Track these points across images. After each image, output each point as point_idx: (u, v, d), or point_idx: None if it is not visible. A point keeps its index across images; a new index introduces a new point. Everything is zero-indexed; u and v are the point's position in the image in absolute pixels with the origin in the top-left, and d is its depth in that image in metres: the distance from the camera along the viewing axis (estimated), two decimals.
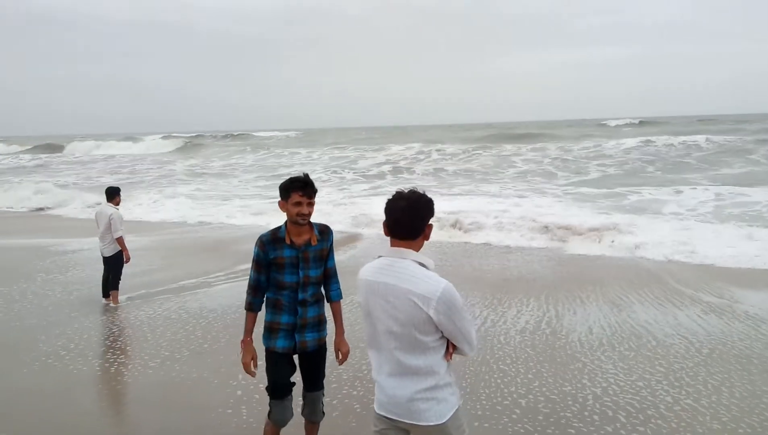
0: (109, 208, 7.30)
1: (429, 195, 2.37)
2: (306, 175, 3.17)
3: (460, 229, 11.80)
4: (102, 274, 7.41)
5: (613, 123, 63.66)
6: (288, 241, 3.17)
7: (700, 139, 31.90)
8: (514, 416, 4.22)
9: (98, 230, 7.32)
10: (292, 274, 3.19)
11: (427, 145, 37.16)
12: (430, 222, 2.35)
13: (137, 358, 5.48)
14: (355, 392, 4.67)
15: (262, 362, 3.34)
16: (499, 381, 4.82)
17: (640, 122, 63.99)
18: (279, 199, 3.22)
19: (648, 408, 4.30)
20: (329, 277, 3.38)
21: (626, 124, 60.09)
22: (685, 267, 8.77)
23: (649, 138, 33.73)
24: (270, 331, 3.29)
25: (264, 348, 3.32)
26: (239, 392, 4.64)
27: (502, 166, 27.04)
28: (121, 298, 7.34)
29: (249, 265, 3.38)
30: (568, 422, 4.11)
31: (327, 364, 3.43)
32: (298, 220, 3.12)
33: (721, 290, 7.43)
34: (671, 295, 7.23)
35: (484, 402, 4.46)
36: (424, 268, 2.28)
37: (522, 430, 4.02)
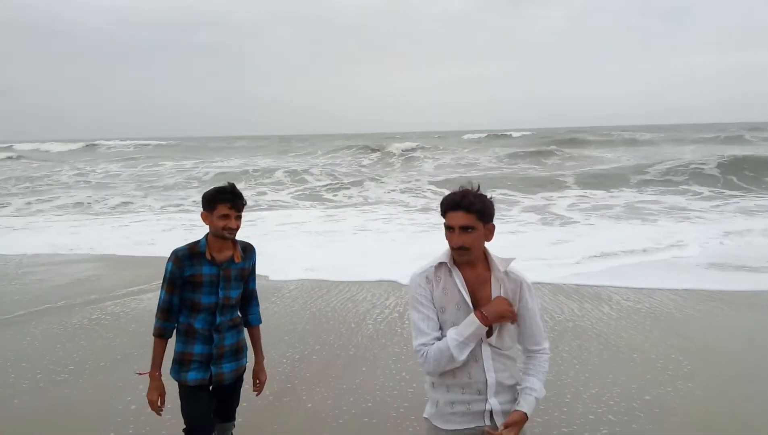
0: None
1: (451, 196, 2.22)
2: (233, 186, 2.92)
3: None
4: None
5: (476, 136, 67.36)
6: (208, 257, 2.88)
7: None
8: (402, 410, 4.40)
9: None
10: (211, 294, 2.89)
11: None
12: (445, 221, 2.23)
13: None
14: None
15: (172, 397, 3.03)
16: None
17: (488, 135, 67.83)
18: (201, 210, 2.95)
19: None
20: (249, 300, 3.14)
21: (485, 137, 64.07)
22: None
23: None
24: (181, 363, 2.94)
25: (175, 382, 2.98)
26: (128, 409, 4.39)
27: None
28: None
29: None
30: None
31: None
32: (225, 234, 2.85)
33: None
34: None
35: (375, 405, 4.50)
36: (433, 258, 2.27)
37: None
